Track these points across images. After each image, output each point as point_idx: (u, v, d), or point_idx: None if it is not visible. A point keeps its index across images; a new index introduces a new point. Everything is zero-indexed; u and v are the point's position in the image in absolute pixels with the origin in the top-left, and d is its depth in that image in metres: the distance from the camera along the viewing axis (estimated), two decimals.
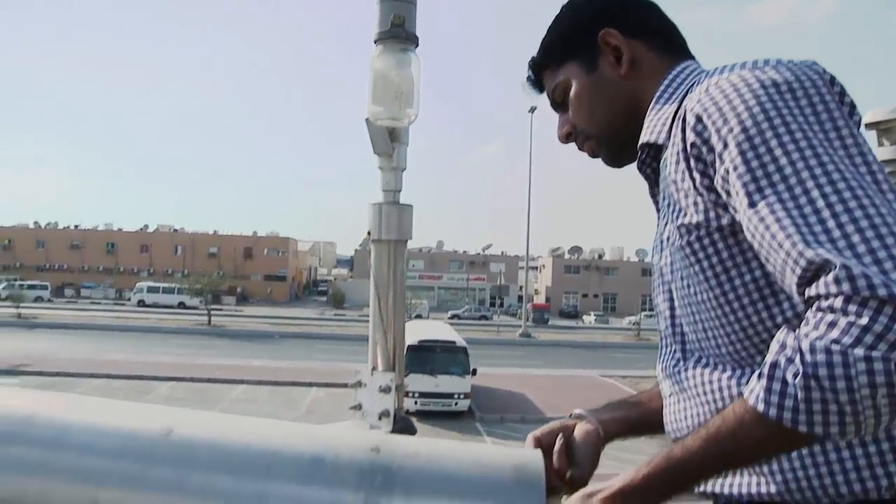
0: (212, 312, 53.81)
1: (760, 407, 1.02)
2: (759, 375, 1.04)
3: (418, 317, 52.57)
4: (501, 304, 77.83)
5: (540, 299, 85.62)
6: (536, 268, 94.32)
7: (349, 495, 1.17)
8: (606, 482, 1.18)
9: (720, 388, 1.25)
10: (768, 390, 1.02)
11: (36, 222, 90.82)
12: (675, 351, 1.36)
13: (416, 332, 24.38)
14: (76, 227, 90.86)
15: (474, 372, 23.85)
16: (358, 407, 1.62)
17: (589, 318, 73.79)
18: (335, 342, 42.91)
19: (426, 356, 22.78)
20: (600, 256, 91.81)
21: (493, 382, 28.33)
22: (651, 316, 62.49)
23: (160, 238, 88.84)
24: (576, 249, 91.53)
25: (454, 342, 24.68)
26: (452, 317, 64.84)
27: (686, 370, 1.32)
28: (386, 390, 1.61)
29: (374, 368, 1.65)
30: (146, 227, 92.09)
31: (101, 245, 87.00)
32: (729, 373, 1.24)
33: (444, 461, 1.24)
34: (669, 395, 1.38)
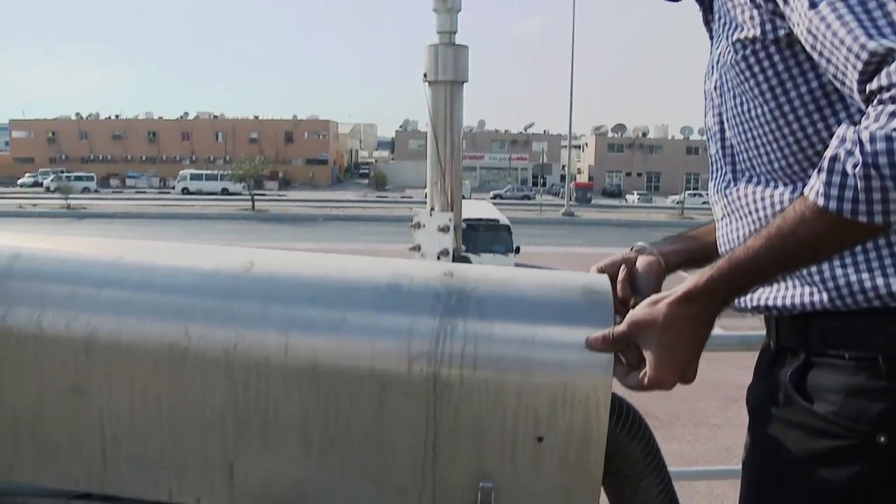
0: (255, 197, 54.31)
1: (820, 201, 1.03)
2: (819, 170, 1.05)
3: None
4: (544, 184, 77.24)
5: (583, 178, 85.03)
6: (579, 146, 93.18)
7: (426, 317, 1.23)
8: (672, 289, 1.22)
9: (772, 204, 1.26)
10: (828, 184, 1.02)
11: (78, 114, 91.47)
12: (725, 173, 1.37)
13: None
14: (117, 116, 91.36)
15: (517, 250, 23.94)
16: (417, 248, 1.66)
17: (632, 197, 72.95)
18: (378, 224, 43.22)
19: (469, 234, 22.78)
20: (644, 134, 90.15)
21: (537, 260, 28.42)
22: (695, 195, 61.84)
23: (200, 125, 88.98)
24: (619, 127, 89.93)
25: (497, 220, 24.71)
26: (494, 196, 64.70)
27: (737, 189, 1.33)
28: (444, 230, 1.64)
29: (432, 209, 1.67)
30: (186, 114, 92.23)
31: (143, 134, 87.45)
32: (781, 188, 1.25)
33: (515, 283, 1.29)
34: (722, 218, 1.39)
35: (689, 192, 64.45)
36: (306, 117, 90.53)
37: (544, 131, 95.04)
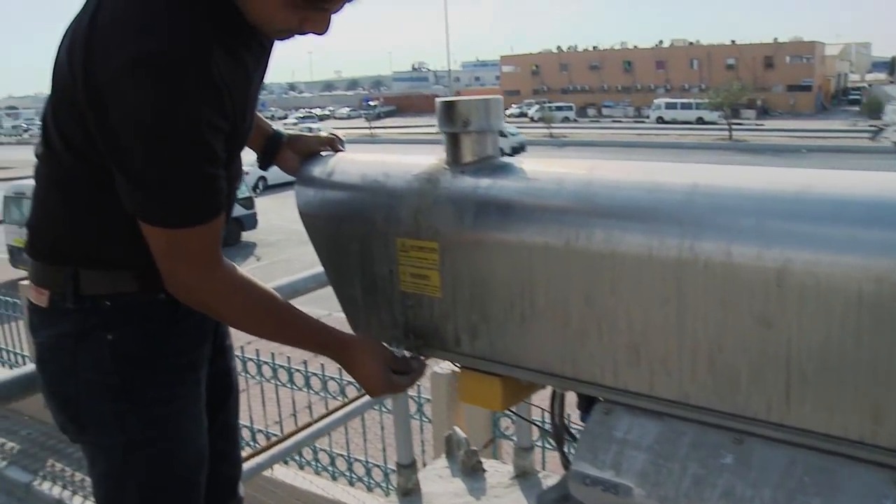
0: (732, 127, 52.58)
1: None
2: None
3: None
4: None
5: None
6: None
7: None
8: None
9: None
10: None
11: (559, 47, 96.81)
12: None
13: None
14: (594, 48, 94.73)
15: None
16: None
17: None
18: (864, 156, 39.13)
19: None
20: None
21: None
22: None
23: (675, 53, 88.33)
24: None
25: None
26: None
27: None
28: None
29: None
30: (661, 42, 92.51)
31: (618, 64, 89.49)
32: None
33: None
34: None
35: None
36: (788, 39, 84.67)
37: None
